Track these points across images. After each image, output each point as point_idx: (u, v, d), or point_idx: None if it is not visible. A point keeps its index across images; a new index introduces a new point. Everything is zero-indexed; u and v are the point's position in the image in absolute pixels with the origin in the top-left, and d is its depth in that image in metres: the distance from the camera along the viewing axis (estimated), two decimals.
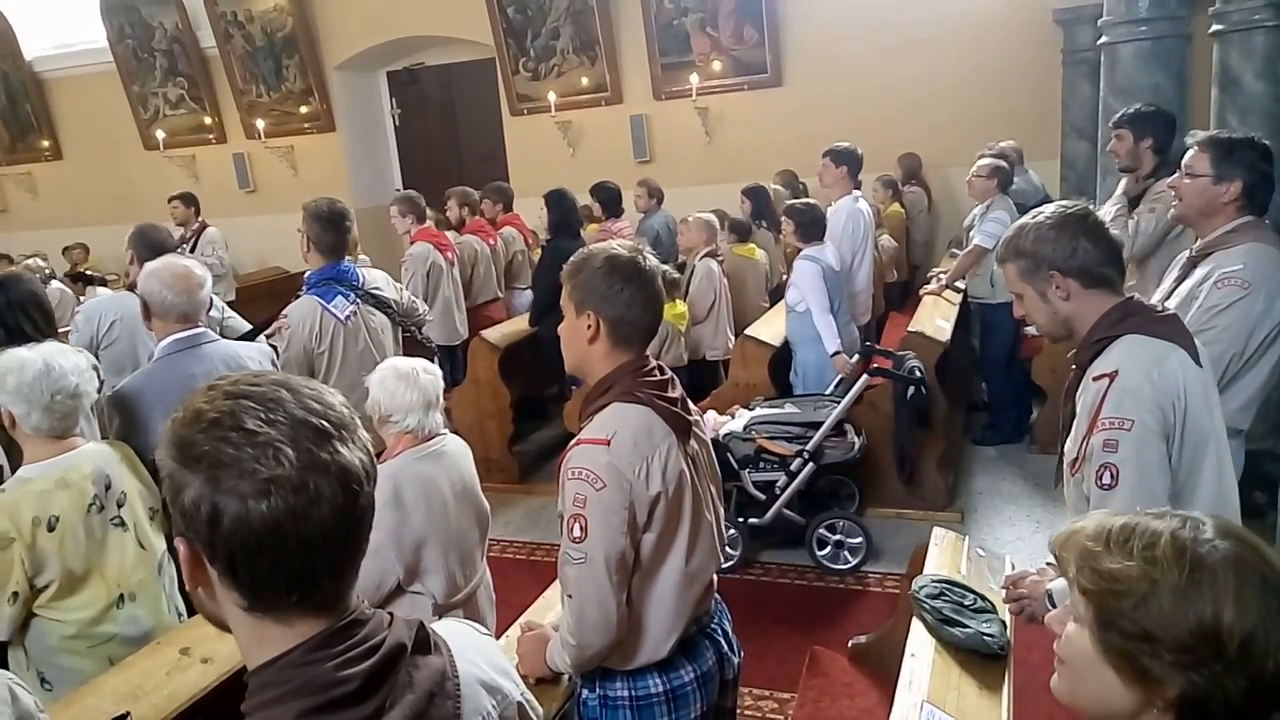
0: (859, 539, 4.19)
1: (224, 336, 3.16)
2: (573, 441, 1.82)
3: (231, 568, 0.89)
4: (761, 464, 4.18)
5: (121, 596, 2.38)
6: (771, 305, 5.79)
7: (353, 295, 3.51)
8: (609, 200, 6.44)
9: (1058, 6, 7.00)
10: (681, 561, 1.84)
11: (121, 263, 3.95)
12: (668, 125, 8.50)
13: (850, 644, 3.31)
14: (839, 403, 4.18)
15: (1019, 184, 5.79)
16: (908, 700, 1.97)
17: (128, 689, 2.08)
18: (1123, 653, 0.96)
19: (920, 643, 2.20)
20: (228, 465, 0.86)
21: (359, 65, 9.58)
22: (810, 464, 4.12)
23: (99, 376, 2.49)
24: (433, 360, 2.82)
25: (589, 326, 1.83)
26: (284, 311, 3.48)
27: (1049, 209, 1.97)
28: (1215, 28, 4.17)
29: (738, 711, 2.26)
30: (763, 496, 4.16)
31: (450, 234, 6.20)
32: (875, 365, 4.34)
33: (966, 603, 2.31)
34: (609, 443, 1.74)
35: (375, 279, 3.71)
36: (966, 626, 2.21)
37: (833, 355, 4.51)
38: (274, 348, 3.33)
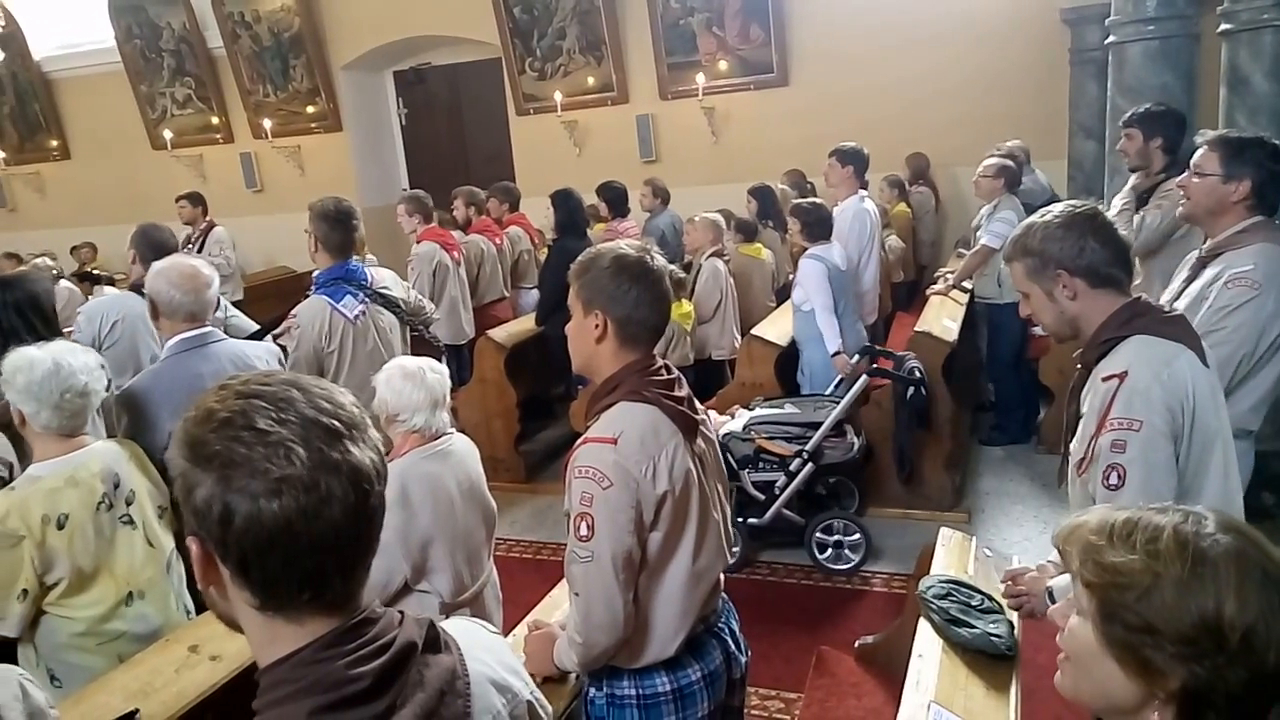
0: (858, 539, 4.19)
1: (229, 335, 3.17)
2: (579, 440, 1.82)
3: (243, 567, 0.89)
4: (761, 464, 4.18)
5: (130, 594, 2.39)
6: (778, 305, 5.79)
7: (361, 294, 3.51)
8: (615, 200, 6.45)
9: (1065, 6, 6.98)
10: (689, 560, 1.84)
11: (129, 262, 3.96)
12: (674, 125, 8.50)
13: (857, 644, 3.31)
14: (838, 403, 4.18)
15: (1026, 184, 5.78)
16: (915, 700, 1.97)
17: (137, 686, 2.09)
18: (1125, 645, 0.97)
19: (928, 643, 2.20)
20: (239, 465, 0.86)
21: (366, 65, 9.59)
22: (809, 464, 4.13)
23: (107, 375, 2.50)
24: (440, 359, 2.82)
25: (596, 326, 1.83)
26: (293, 311, 3.49)
27: (1057, 208, 1.97)
28: (1224, 27, 4.16)
29: (744, 711, 2.26)
30: (762, 497, 4.16)
31: (456, 233, 6.21)
32: (875, 365, 4.34)
33: (974, 603, 2.31)
34: (616, 441, 1.75)
35: (383, 278, 3.72)
36: (974, 627, 2.21)
37: (833, 355, 4.51)
38: (282, 348, 3.33)
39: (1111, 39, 4.73)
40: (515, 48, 8.70)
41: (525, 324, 5.74)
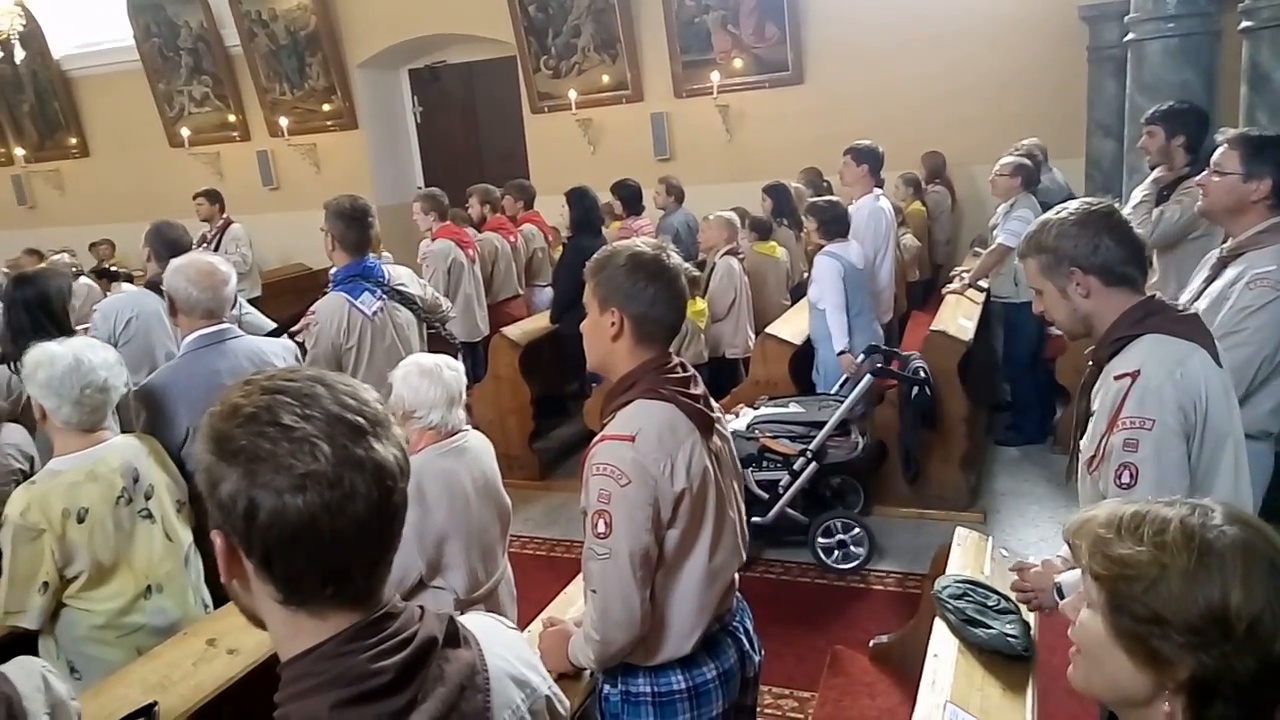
0: (861, 537, 4.18)
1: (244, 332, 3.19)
2: (597, 437, 1.82)
3: (267, 561, 0.90)
4: (765, 463, 4.18)
5: (149, 588, 2.41)
6: (793, 303, 5.78)
7: (379, 291, 3.53)
8: (630, 198, 6.45)
9: (1083, 3, 6.93)
10: (705, 558, 1.85)
11: (144, 260, 3.99)
12: (688, 123, 8.49)
13: (872, 644, 3.30)
14: (843, 402, 4.18)
15: (1044, 182, 5.74)
16: (931, 700, 1.96)
17: (155, 679, 2.11)
18: (1134, 636, 0.98)
19: (943, 643, 2.19)
20: (264, 460, 0.87)
21: (381, 63, 9.63)
22: (813, 463, 4.12)
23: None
24: (456, 356, 2.83)
25: (613, 324, 1.83)
26: (311, 308, 3.51)
27: (1072, 205, 1.96)
28: (1245, 24, 4.11)
29: (758, 709, 2.26)
30: (765, 496, 4.15)
31: (470, 231, 6.23)
32: (880, 365, 4.32)
33: (990, 603, 2.30)
34: (634, 439, 1.75)
35: (400, 275, 3.73)
36: (990, 627, 2.20)
37: (839, 353, 4.50)
38: (300, 345, 3.35)
39: (1131, 36, 4.69)
40: (530, 46, 8.71)
41: (539, 322, 5.75)
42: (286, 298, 7.43)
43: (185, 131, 10.10)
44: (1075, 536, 1.06)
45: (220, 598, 2.52)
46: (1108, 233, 1.87)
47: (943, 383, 4.58)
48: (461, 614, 1.08)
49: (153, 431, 2.69)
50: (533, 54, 8.75)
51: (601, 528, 1.74)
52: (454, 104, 9.93)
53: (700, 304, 5.18)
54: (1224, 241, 2.73)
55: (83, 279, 6.10)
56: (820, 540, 4.19)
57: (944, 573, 2.50)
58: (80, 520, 2.27)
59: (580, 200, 5.48)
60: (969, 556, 2.62)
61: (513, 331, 5.53)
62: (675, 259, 1.87)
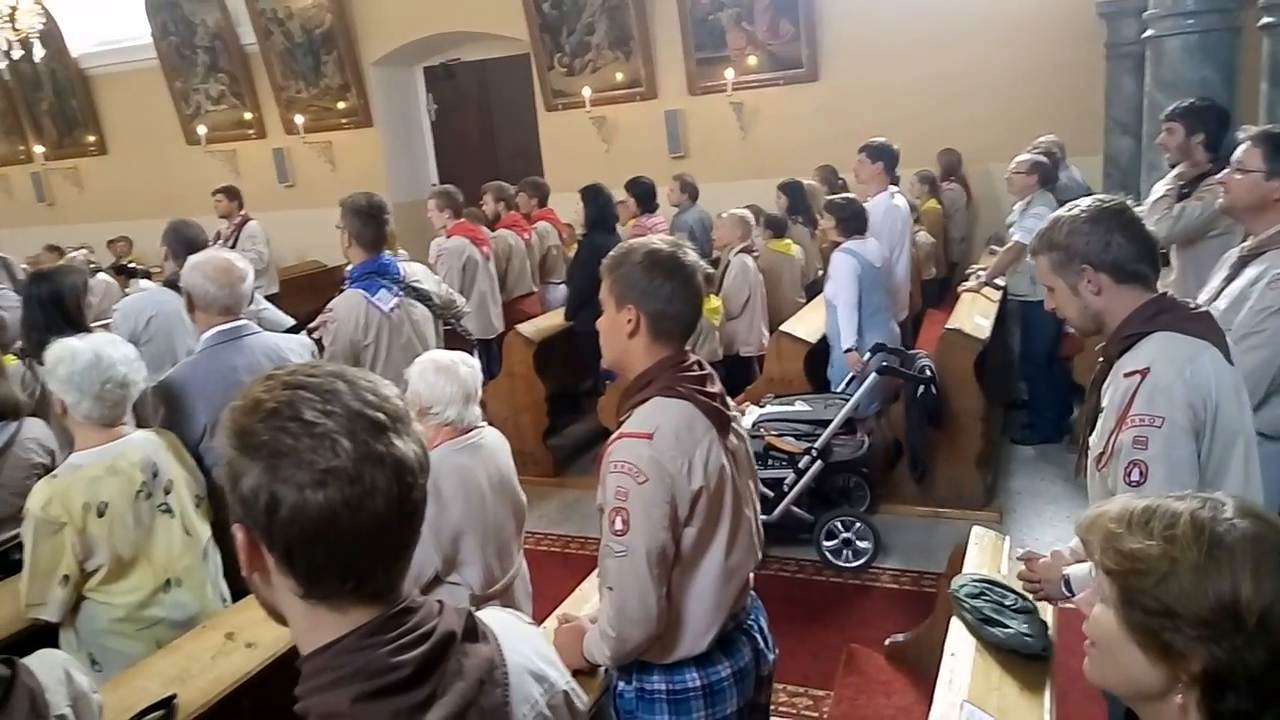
0: (867, 536, 4.16)
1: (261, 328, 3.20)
2: (614, 435, 1.82)
3: (288, 556, 0.90)
4: (770, 461, 4.17)
5: (168, 581, 2.43)
6: (808, 301, 5.76)
7: (395, 288, 3.55)
8: (644, 195, 6.44)
9: None
10: (721, 556, 1.84)
11: (161, 258, 4.02)
12: (702, 120, 8.47)
13: (887, 642, 3.29)
14: (848, 400, 4.16)
15: (1062, 180, 5.70)
16: (948, 699, 1.95)
17: (175, 671, 2.13)
18: (1146, 629, 1.00)
19: (960, 642, 2.18)
20: (286, 455, 0.87)
21: (396, 61, 9.66)
22: (819, 462, 4.11)
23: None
24: (471, 353, 2.84)
25: (629, 321, 1.83)
26: (329, 306, 3.53)
27: (1085, 202, 1.95)
28: (1265, 20, 4.07)
29: (772, 708, 2.26)
30: (771, 494, 4.14)
31: (484, 229, 6.24)
32: (885, 364, 4.31)
33: (1007, 603, 2.28)
34: (651, 437, 1.75)
35: (415, 272, 3.75)
36: (1007, 627, 2.19)
37: (845, 351, 4.49)
38: (317, 341, 3.37)
39: (1149, 33, 4.65)
40: (544, 43, 8.72)
41: (554, 319, 5.76)
42: (303, 294, 7.47)
43: (202, 129, 10.16)
44: (1087, 532, 1.07)
45: (239, 592, 2.54)
46: (1119, 230, 1.87)
47: (959, 381, 4.57)
48: (478, 609, 1.08)
49: (171, 427, 2.71)
50: (547, 51, 8.75)
51: (619, 525, 1.74)
52: (468, 102, 9.95)
53: (715, 301, 5.17)
54: (1244, 240, 2.71)
55: (101, 275, 6.15)
56: (825, 539, 4.18)
57: (961, 571, 2.49)
58: (100, 514, 2.29)
59: (595, 197, 5.49)
60: (986, 555, 2.61)
61: (527, 328, 5.54)
62: (692, 256, 1.86)
